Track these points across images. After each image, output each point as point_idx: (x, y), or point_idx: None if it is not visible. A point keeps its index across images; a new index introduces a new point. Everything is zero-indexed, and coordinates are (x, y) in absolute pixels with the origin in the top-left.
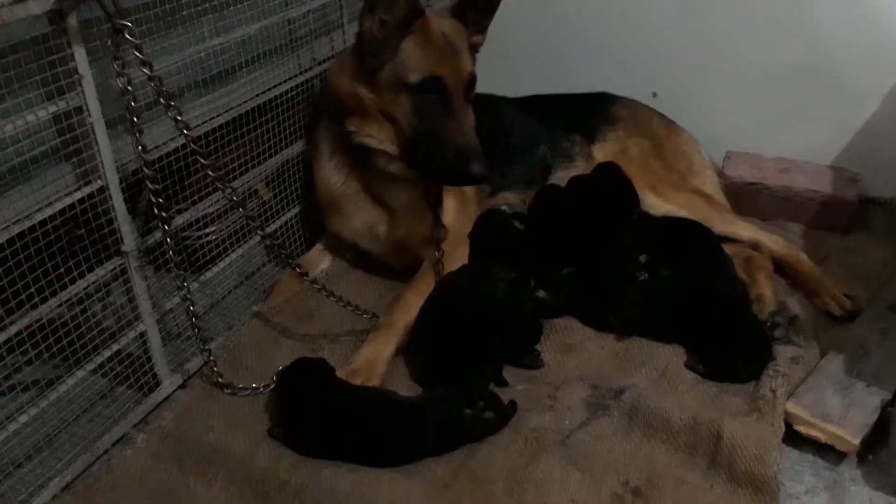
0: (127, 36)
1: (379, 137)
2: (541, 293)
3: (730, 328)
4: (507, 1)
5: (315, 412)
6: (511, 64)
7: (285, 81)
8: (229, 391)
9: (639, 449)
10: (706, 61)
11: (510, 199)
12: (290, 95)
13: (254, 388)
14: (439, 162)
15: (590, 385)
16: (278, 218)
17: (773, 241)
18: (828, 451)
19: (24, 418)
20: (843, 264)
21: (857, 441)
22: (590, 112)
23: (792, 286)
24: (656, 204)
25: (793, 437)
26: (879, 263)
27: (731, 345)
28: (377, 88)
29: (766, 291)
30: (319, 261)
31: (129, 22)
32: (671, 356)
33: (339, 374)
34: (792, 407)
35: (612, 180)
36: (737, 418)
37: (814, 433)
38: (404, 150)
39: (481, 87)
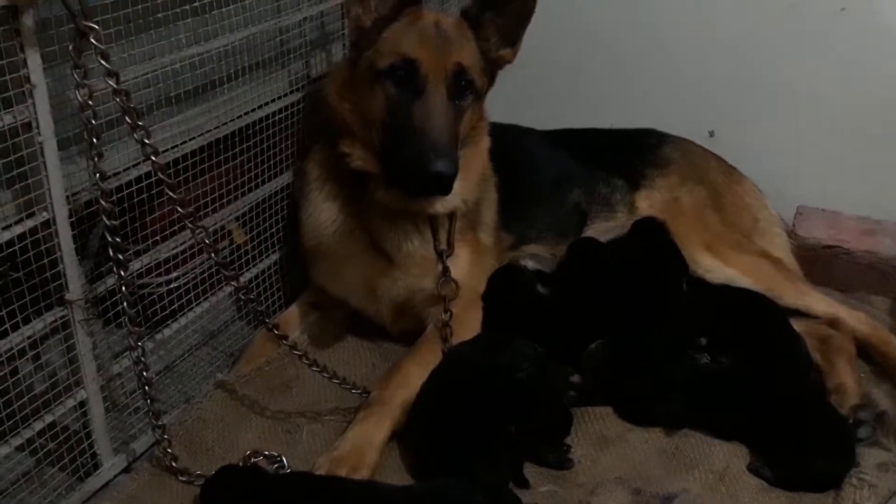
0: (92, 40)
1: (368, 158)
2: (575, 378)
3: (803, 425)
4: (541, 17)
5: None
6: (544, 92)
7: (273, 101)
8: (184, 479)
9: None
10: (774, 98)
11: (538, 253)
12: (277, 118)
13: None
14: (400, 162)
15: (631, 489)
16: (253, 266)
17: (855, 317)
18: None
19: None
20: None
21: None
22: (635, 152)
23: (878, 374)
24: (714, 267)
25: None
26: None
27: (804, 445)
28: (356, 88)
29: (848, 380)
30: (301, 321)
31: (95, 24)
32: (731, 456)
33: (321, 462)
34: None
35: (653, 242)
36: None
37: None
38: (378, 158)
39: (506, 117)
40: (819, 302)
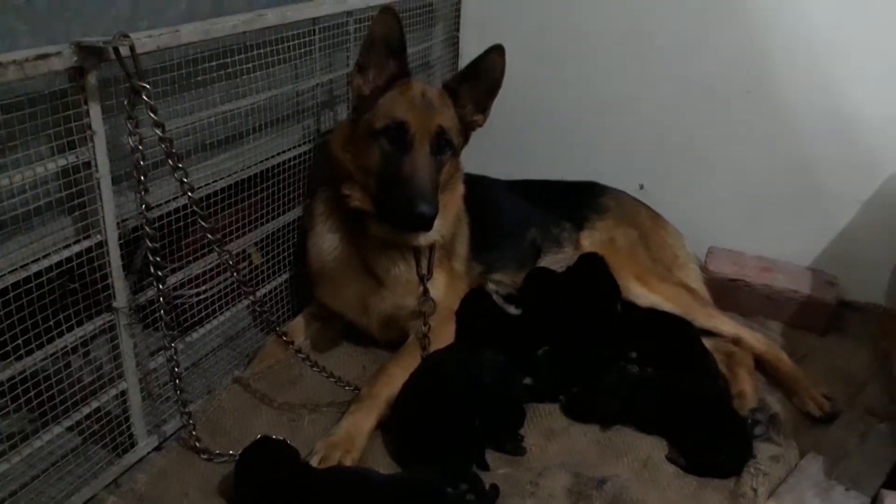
0: (143, 97)
1: (365, 199)
2: (527, 380)
3: (712, 423)
4: (505, 92)
5: (280, 499)
6: (503, 147)
7: (288, 150)
8: (205, 457)
9: None
10: (693, 158)
11: (501, 280)
12: (291, 164)
13: (231, 454)
14: (391, 203)
15: (572, 473)
16: (268, 283)
17: (754, 337)
18: None
19: None
20: (822, 365)
21: None
22: (580, 200)
23: (772, 384)
24: (642, 294)
25: None
26: (857, 366)
27: (712, 439)
28: (356, 143)
29: (748, 388)
30: (305, 329)
31: (147, 84)
32: (653, 448)
33: (319, 446)
34: None
35: (593, 275)
36: None
37: None
38: (373, 199)
39: (477, 169)
40: (725, 324)
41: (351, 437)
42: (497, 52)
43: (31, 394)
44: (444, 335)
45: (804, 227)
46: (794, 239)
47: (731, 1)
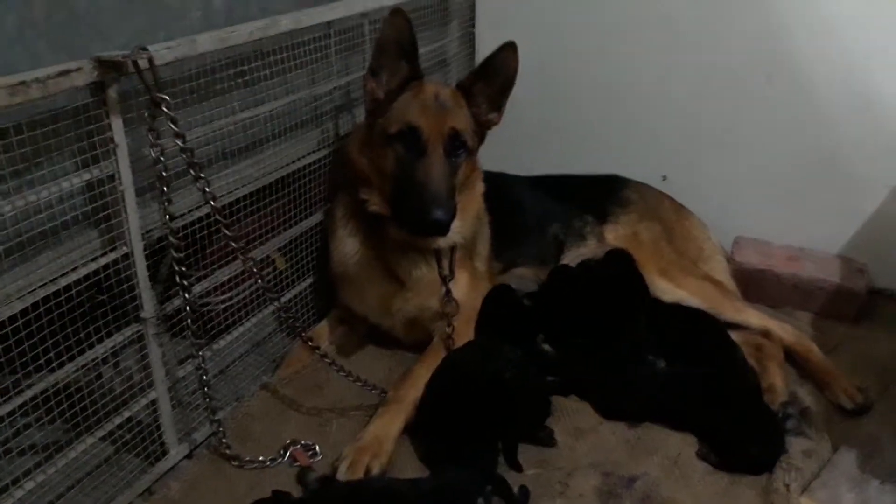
0: (163, 108)
1: (383, 204)
2: (546, 346)
3: (742, 418)
4: (519, 82)
5: None
6: (523, 144)
7: (307, 155)
8: (236, 463)
9: None
10: (716, 147)
11: (523, 275)
12: (311, 169)
13: (261, 460)
14: (407, 209)
15: (601, 472)
16: (292, 288)
17: (783, 329)
18: None
19: (30, 485)
20: (853, 355)
21: None
22: (602, 194)
23: (802, 376)
24: (667, 289)
25: None
26: (889, 355)
27: (743, 435)
28: (372, 147)
29: (778, 381)
30: (330, 333)
31: (166, 95)
32: (683, 445)
33: (347, 451)
34: (807, 503)
35: (622, 272)
36: None
37: None
38: (390, 204)
39: (497, 166)
40: (753, 316)
41: (379, 442)
42: (509, 48)
43: (65, 405)
44: (467, 335)
45: (832, 213)
46: (821, 226)
47: None
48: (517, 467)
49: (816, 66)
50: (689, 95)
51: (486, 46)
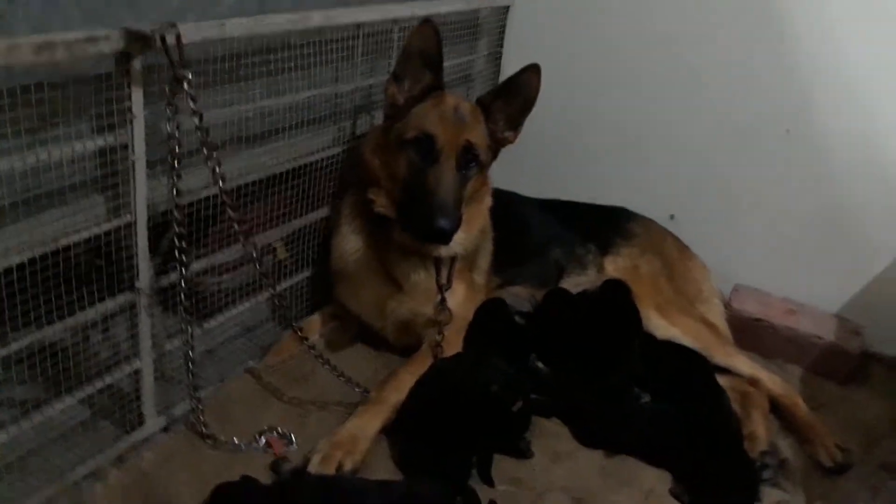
0: (185, 85)
1: (389, 206)
2: (540, 365)
3: (719, 461)
4: (538, 105)
5: None
6: (535, 166)
7: (323, 150)
8: (211, 443)
9: None
10: (727, 193)
11: (519, 294)
12: (325, 163)
13: (236, 443)
14: (413, 214)
15: (573, 497)
16: (289, 278)
17: (771, 380)
18: None
19: (2, 437)
20: (839, 415)
21: None
22: (608, 224)
23: (785, 429)
24: (661, 325)
25: None
26: (875, 419)
27: (718, 478)
28: (386, 150)
29: (760, 430)
30: (321, 327)
31: (189, 73)
32: (657, 480)
33: (322, 444)
34: None
35: (618, 303)
36: None
37: None
38: (397, 207)
39: (504, 184)
40: (743, 364)
41: (355, 439)
42: (533, 70)
43: (49, 364)
44: (457, 345)
45: (834, 272)
46: (822, 284)
47: (777, 44)
48: (489, 482)
49: (834, 126)
50: (706, 141)
51: (511, 67)
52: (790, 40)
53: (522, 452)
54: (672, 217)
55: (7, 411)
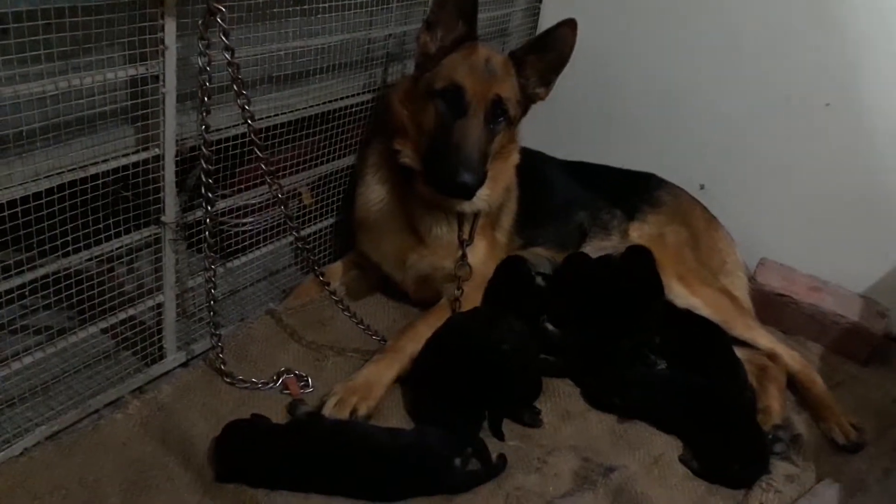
0: (218, 19)
1: (415, 157)
2: (550, 326)
3: (731, 431)
4: (572, 63)
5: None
6: (564, 126)
7: (353, 95)
8: (228, 380)
9: None
10: (760, 165)
11: (540, 255)
12: (353, 110)
13: (253, 382)
14: (437, 167)
15: (581, 457)
16: (314, 224)
17: (790, 355)
18: None
19: (27, 360)
20: (856, 395)
21: None
22: (635, 190)
23: (801, 405)
24: (682, 294)
25: None
26: (892, 402)
27: (729, 448)
28: (415, 99)
29: (775, 404)
30: (343, 274)
31: (224, 7)
32: (667, 446)
33: (338, 388)
34: None
35: (641, 269)
36: None
37: None
38: (422, 159)
39: (532, 143)
40: (763, 337)
41: (370, 385)
42: (569, 25)
43: (73, 291)
44: (475, 302)
45: (863, 252)
46: (850, 263)
47: (822, 12)
48: (500, 436)
49: (875, 101)
50: (742, 109)
51: (549, 23)
52: (836, 5)
53: (530, 422)
54: (702, 187)
55: (32, 337)
